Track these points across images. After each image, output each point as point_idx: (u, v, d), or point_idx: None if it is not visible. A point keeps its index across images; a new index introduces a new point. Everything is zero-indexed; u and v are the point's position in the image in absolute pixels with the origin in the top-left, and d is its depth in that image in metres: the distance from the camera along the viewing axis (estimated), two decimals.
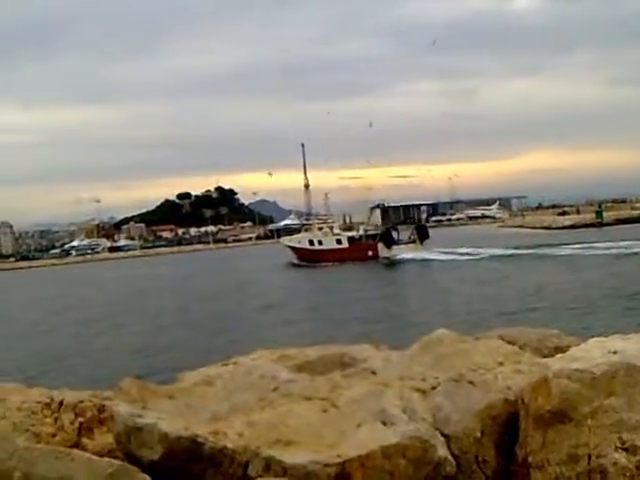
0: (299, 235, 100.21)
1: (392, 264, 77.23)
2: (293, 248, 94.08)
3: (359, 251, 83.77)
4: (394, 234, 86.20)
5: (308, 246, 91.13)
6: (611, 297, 34.66)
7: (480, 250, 75.68)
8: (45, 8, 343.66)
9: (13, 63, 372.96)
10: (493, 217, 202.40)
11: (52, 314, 58.42)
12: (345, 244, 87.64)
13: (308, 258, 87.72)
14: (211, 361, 5.87)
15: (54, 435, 4.50)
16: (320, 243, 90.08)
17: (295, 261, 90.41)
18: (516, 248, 75.06)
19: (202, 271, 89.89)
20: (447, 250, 78.61)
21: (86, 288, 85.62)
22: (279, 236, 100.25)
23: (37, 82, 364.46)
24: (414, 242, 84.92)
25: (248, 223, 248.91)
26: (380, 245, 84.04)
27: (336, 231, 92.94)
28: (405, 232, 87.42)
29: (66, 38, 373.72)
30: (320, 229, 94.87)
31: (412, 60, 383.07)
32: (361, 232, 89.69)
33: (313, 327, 34.26)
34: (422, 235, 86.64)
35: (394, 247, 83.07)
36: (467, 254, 74.33)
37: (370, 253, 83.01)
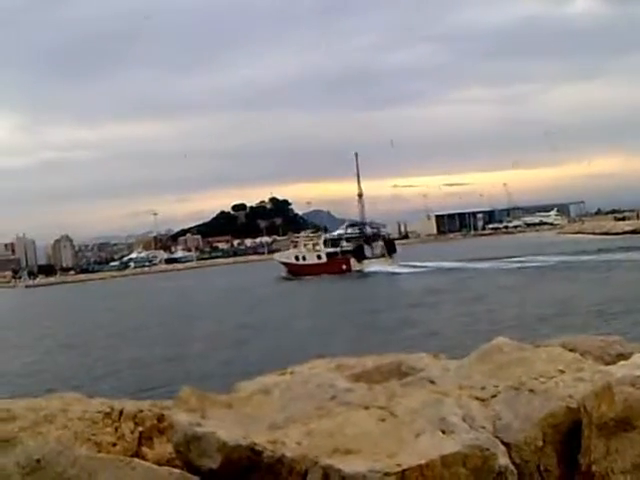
0: (288, 251, 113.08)
1: (362, 275, 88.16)
2: (283, 263, 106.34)
3: (336, 265, 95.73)
4: (367, 249, 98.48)
5: (294, 261, 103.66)
6: None
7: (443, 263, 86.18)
8: (105, 26, 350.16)
9: (74, 79, 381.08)
10: (551, 224, 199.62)
11: (109, 324, 59.47)
12: (324, 259, 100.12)
13: (295, 272, 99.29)
14: (267, 370, 5.89)
15: (114, 444, 4.55)
16: (304, 258, 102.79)
17: (284, 275, 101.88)
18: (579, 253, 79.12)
19: (258, 282, 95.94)
20: (410, 264, 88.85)
21: (149, 298, 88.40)
22: (333, 246, 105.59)
23: (96, 98, 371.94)
24: (383, 256, 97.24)
25: (302, 233, 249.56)
26: (352, 260, 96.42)
27: (317, 247, 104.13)
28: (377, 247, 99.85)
29: (125, 54, 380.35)
30: (305, 245, 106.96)
31: (465, 67, 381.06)
32: (338, 249, 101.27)
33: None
34: (390, 250, 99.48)
35: (365, 261, 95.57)
36: (425, 267, 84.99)
37: (344, 267, 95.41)
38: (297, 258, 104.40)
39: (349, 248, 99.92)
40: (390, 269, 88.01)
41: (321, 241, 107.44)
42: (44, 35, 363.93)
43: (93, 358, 42.07)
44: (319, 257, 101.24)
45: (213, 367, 31.78)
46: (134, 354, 41.13)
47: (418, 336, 33.42)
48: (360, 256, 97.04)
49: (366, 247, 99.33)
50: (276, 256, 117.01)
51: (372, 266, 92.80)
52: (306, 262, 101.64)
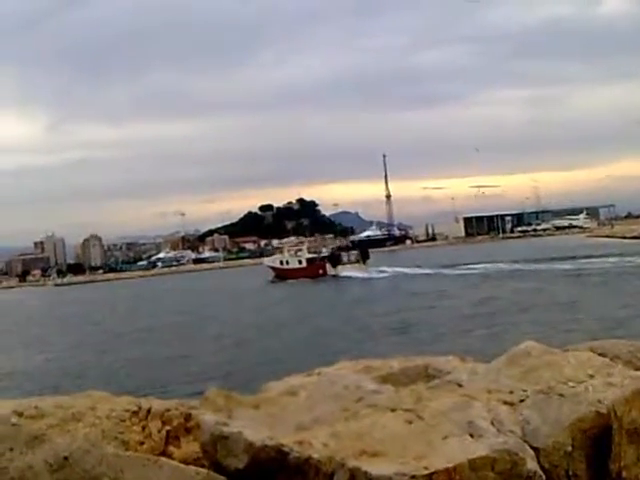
0: (274, 256, 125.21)
1: (336, 279, 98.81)
2: (271, 267, 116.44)
3: (314, 269, 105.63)
4: (344, 255, 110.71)
5: (279, 265, 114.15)
6: None
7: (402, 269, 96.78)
8: (132, 25, 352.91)
9: (102, 79, 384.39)
10: (581, 227, 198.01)
11: (137, 323, 59.96)
12: (304, 264, 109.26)
13: (279, 275, 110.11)
14: (293, 370, 5.92)
15: (142, 443, 4.57)
16: (287, 263, 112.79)
17: (271, 278, 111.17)
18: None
19: (257, 283, 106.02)
20: (379, 269, 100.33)
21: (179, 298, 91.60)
22: (360, 247, 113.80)
23: (124, 98, 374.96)
24: (358, 262, 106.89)
25: (329, 234, 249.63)
26: (328, 265, 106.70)
27: (299, 253, 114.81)
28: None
29: (152, 54, 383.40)
30: (289, 251, 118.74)
31: (495, 68, 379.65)
32: (317, 254, 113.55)
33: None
34: (364, 256, 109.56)
35: (339, 266, 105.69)
36: (390, 272, 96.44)
37: (320, 271, 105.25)
38: (281, 263, 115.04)
39: (326, 254, 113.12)
40: (359, 274, 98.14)
41: (305, 247, 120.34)
42: (71, 36, 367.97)
43: (115, 357, 42.52)
44: (300, 262, 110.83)
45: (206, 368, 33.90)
46: (155, 353, 41.82)
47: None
48: (335, 262, 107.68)
49: (343, 254, 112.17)
50: (265, 260, 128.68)
51: (344, 271, 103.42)
52: (289, 266, 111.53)
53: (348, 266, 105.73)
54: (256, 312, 61.16)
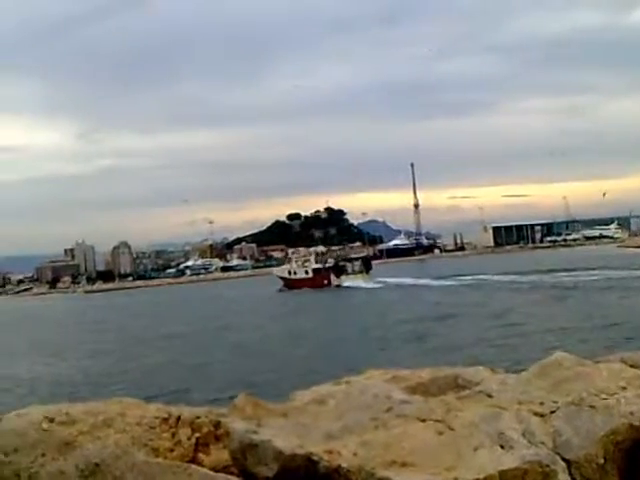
0: (283, 267, 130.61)
1: (338, 289, 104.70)
2: (280, 277, 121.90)
3: (319, 279, 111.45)
4: (349, 266, 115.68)
5: (287, 275, 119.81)
6: None
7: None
8: (163, 35, 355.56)
9: (132, 88, 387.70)
10: (611, 237, 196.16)
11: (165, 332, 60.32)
12: (310, 274, 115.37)
13: (287, 285, 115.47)
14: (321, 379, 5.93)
15: (172, 450, 4.58)
16: (295, 273, 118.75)
17: (280, 287, 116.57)
18: None
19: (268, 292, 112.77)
20: (380, 280, 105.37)
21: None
22: (388, 256, 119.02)
23: (154, 107, 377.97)
24: (361, 272, 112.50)
25: (357, 243, 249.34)
26: (332, 275, 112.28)
27: (306, 264, 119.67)
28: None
29: (182, 63, 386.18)
30: (296, 262, 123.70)
31: (523, 77, 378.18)
32: (323, 265, 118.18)
33: None
34: (367, 267, 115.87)
35: (342, 277, 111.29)
36: (389, 283, 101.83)
37: (325, 281, 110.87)
38: (289, 273, 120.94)
39: (331, 265, 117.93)
40: (362, 284, 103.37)
41: (312, 258, 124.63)
42: (102, 45, 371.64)
43: (140, 363, 42.84)
44: (306, 272, 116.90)
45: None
46: (178, 361, 42.28)
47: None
48: (338, 272, 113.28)
49: (348, 264, 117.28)
50: (274, 270, 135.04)
51: (347, 281, 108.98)
52: (296, 277, 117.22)
53: (351, 276, 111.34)
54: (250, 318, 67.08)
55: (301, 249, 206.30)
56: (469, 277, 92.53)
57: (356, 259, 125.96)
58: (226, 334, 55.86)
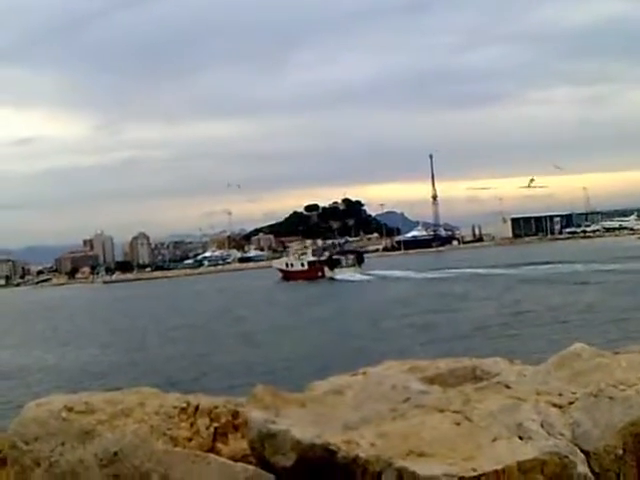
0: (282, 259, 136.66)
1: (332, 281, 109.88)
2: (279, 269, 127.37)
3: (313, 272, 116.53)
4: (343, 259, 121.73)
5: (285, 268, 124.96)
6: None
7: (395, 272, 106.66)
8: (183, 26, 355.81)
9: (151, 80, 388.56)
10: (631, 228, 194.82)
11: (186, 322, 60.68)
12: (306, 267, 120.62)
13: (285, 277, 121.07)
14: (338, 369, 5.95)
15: (190, 439, 4.60)
16: (292, 265, 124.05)
17: (278, 279, 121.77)
18: None
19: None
20: (371, 272, 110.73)
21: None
22: (406, 248, 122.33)
23: (173, 98, 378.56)
24: (354, 265, 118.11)
25: (375, 234, 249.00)
26: (326, 268, 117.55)
27: (302, 257, 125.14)
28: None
29: (202, 54, 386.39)
30: (294, 254, 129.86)
31: (545, 67, 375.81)
32: (318, 258, 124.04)
33: None
34: (360, 260, 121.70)
35: (336, 269, 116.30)
36: (378, 275, 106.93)
37: (319, 273, 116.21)
38: (287, 265, 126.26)
39: (324, 258, 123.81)
40: (353, 277, 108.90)
41: (309, 251, 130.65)
42: (122, 36, 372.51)
43: (155, 353, 43.23)
44: (302, 265, 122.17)
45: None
46: (192, 350, 42.79)
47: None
48: (333, 265, 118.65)
49: (342, 258, 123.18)
50: (274, 263, 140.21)
51: (340, 274, 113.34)
52: (293, 269, 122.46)
53: (344, 269, 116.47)
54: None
55: (294, 243, 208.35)
56: (456, 270, 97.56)
57: (350, 252, 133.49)
58: (228, 325, 58.94)
